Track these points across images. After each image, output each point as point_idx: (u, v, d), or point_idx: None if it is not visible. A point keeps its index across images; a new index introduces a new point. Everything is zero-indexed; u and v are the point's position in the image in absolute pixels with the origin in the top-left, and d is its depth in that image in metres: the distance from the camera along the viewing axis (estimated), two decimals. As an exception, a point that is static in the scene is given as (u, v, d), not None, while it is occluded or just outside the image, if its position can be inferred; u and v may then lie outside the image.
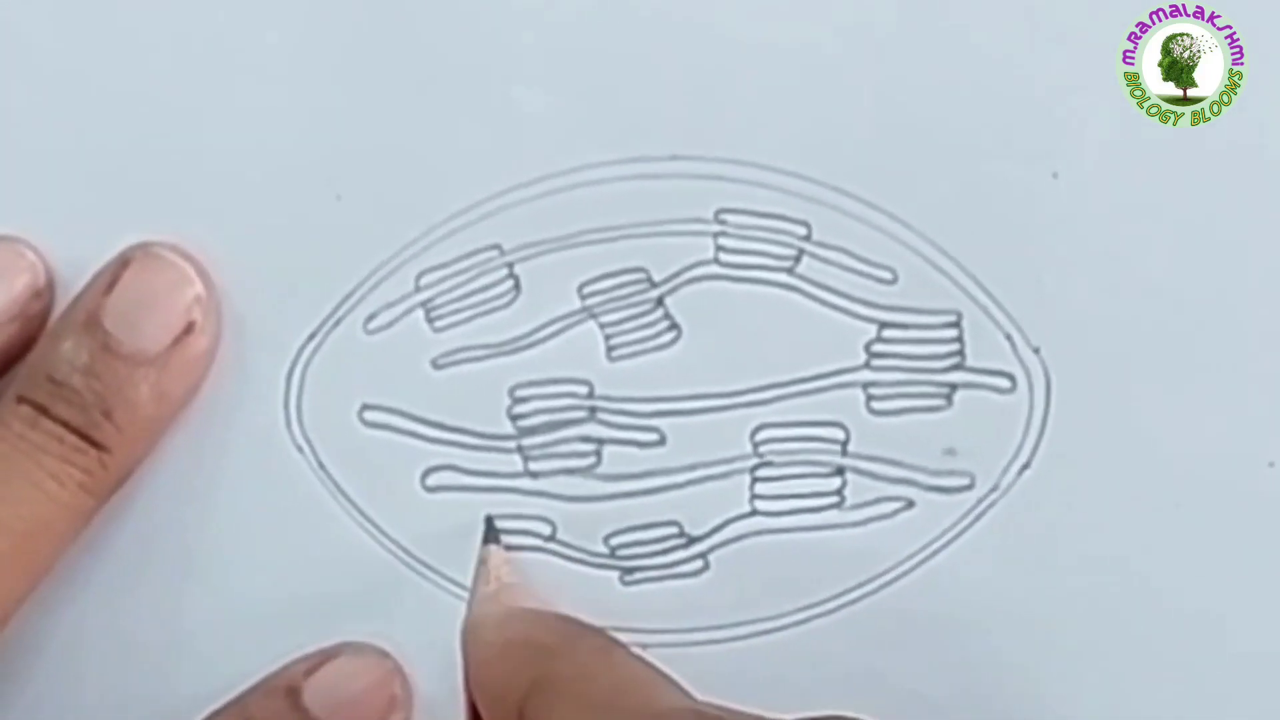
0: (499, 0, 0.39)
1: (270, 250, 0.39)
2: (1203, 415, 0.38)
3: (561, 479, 0.39)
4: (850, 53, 0.38)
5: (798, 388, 0.39)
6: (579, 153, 0.39)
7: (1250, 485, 0.38)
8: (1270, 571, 0.38)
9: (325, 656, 0.39)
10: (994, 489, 0.39)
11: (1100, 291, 0.38)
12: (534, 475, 0.39)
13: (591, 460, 0.39)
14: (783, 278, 0.39)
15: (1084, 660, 0.39)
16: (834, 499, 0.39)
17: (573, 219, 0.39)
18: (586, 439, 0.39)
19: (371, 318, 0.39)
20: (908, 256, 0.39)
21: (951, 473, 0.39)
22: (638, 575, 0.39)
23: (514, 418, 0.39)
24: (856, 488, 0.39)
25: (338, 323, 0.39)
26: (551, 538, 0.39)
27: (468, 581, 0.39)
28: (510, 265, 0.39)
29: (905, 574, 0.39)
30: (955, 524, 0.39)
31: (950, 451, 0.39)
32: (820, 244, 0.39)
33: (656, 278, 0.39)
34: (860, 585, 0.39)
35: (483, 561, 0.39)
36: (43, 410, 0.38)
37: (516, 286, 0.39)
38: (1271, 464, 0.38)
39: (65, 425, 0.38)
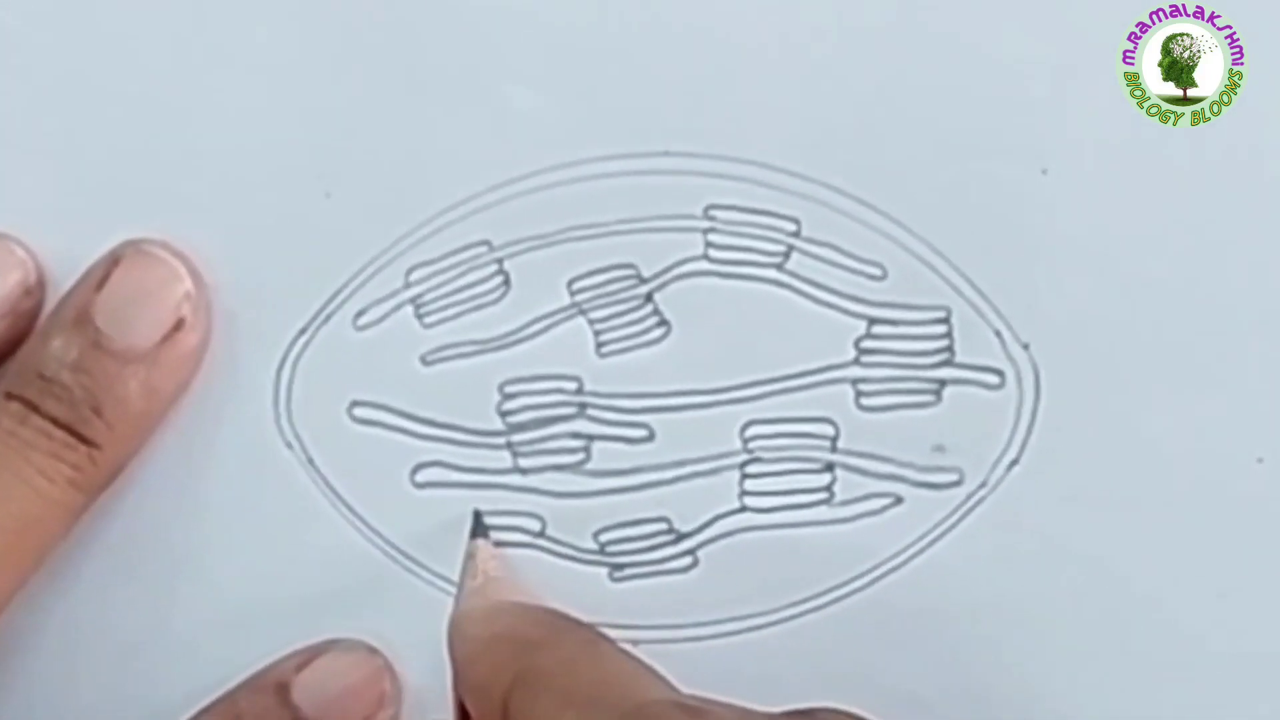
0: (489, -3, 0.39)
1: (260, 247, 0.39)
2: (1191, 411, 0.38)
3: (551, 475, 0.39)
4: (841, 49, 0.38)
5: (787, 384, 0.39)
6: (569, 149, 0.39)
7: (1239, 481, 0.38)
8: (1258, 567, 0.38)
9: (314, 653, 0.39)
10: (983, 485, 0.39)
11: (1089, 288, 0.38)
12: (523, 471, 0.39)
13: (581, 456, 0.39)
14: (772, 274, 0.39)
15: (1073, 655, 0.39)
16: (823, 495, 0.39)
17: (562, 215, 0.39)
18: (576, 435, 0.39)
19: (361, 314, 0.39)
20: (897, 253, 0.39)
21: (940, 469, 0.39)
22: (627, 571, 0.39)
23: (503, 414, 0.39)
24: (846, 484, 0.39)
25: (327, 319, 0.39)
26: (541, 534, 0.39)
27: (457, 577, 0.39)
28: (500, 261, 0.39)
29: (894, 570, 0.39)
30: (944, 520, 0.39)
31: (939, 448, 0.39)
32: (810, 240, 0.39)
33: (646, 273, 0.39)
34: (849, 581, 0.39)
35: (470, 555, 0.39)
36: (33, 407, 0.38)
37: (506, 282, 0.39)
38: (1260, 460, 0.38)
39: (55, 422, 0.38)
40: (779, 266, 0.39)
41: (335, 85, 0.39)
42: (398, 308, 0.39)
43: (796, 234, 0.39)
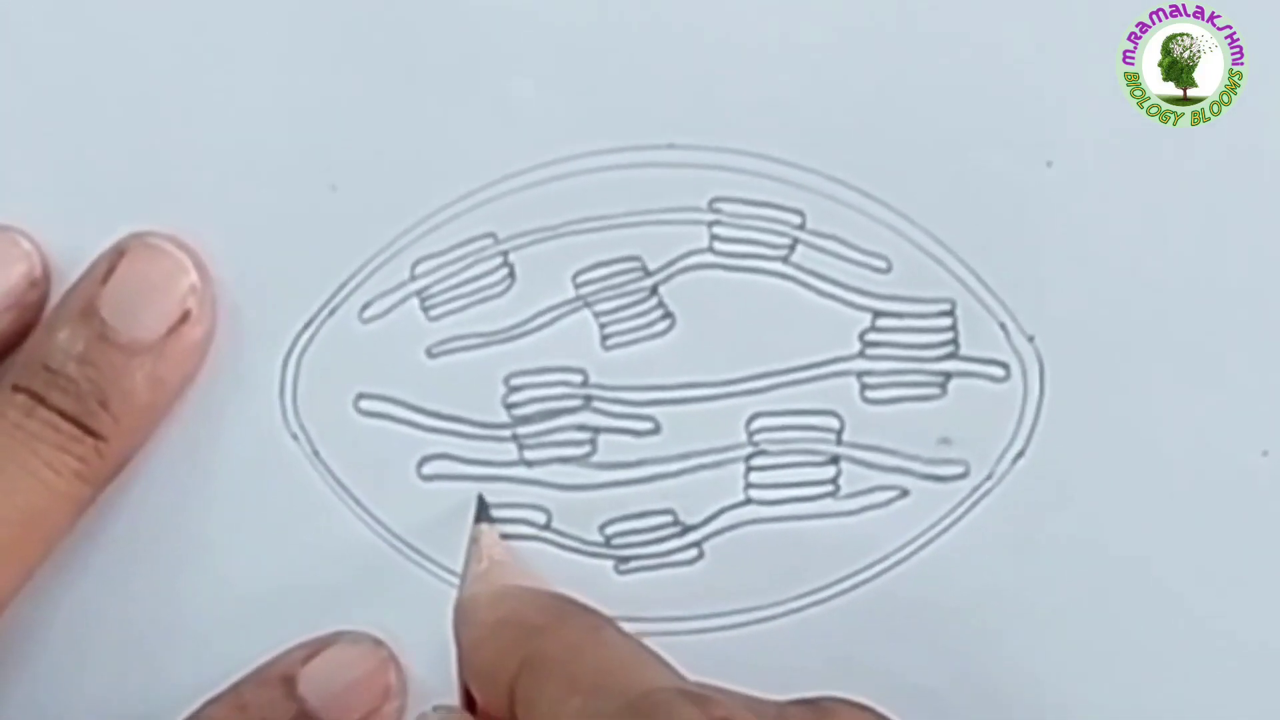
0: (494, -10, 0.39)
1: (265, 240, 0.39)
2: (1196, 404, 0.38)
3: (556, 467, 0.39)
4: (846, 43, 0.38)
5: (792, 376, 0.39)
6: (573, 141, 0.39)
7: (1244, 474, 0.38)
8: (1264, 559, 0.38)
9: (320, 645, 0.39)
10: (988, 477, 0.39)
11: (1094, 281, 0.38)
12: (529, 464, 0.39)
13: (586, 449, 0.39)
14: (777, 266, 0.39)
15: (1078, 646, 0.39)
16: (828, 488, 0.39)
17: (567, 207, 0.39)
18: (581, 427, 0.39)
19: (366, 306, 0.39)
20: (902, 245, 0.39)
21: (946, 461, 0.39)
22: (633, 564, 0.39)
23: (509, 406, 0.39)
24: (851, 476, 0.39)
25: (333, 312, 0.39)
26: (547, 526, 0.39)
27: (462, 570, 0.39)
28: (505, 254, 0.39)
29: (900, 562, 0.39)
30: (950, 512, 0.39)
31: (945, 440, 0.39)
32: (815, 233, 0.39)
33: (651, 266, 0.39)
34: (855, 574, 0.39)
35: (474, 540, 0.39)
36: (39, 399, 0.38)
37: (511, 275, 0.39)
38: (1265, 452, 0.38)
39: (61, 414, 0.38)
40: (784, 259, 0.39)
41: (340, 79, 0.39)
42: (403, 300, 0.39)
43: (801, 227, 0.39)
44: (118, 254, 0.39)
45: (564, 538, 0.39)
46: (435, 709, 0.36)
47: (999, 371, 0.39)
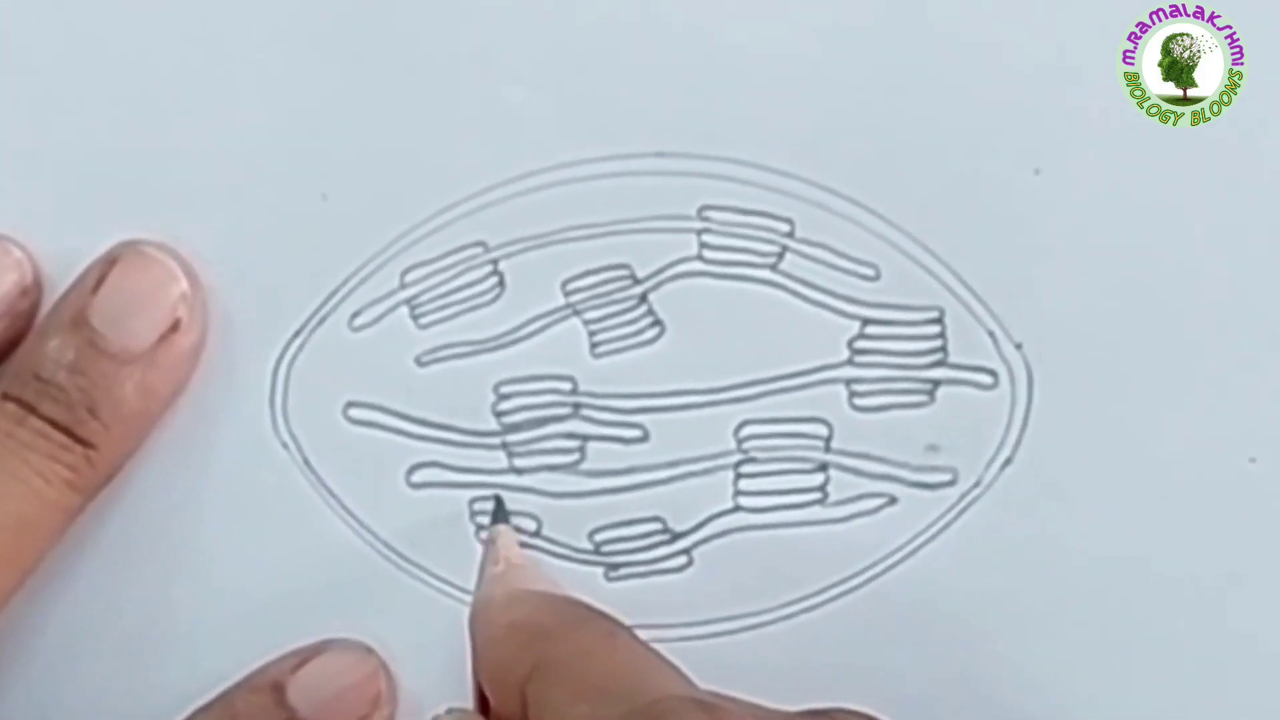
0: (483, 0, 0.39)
1: (256, 248, 0.39)
2: (1184, 412, 0.38)
3: (545, 475, 0.39)
4: (836, 50, 0.38)
5: (781, 384, 0.39)
6: (563, 149, 0.39)
7: (1231, 481, 0.38)
8: (1250, 565, 0.38)
9: (310, 653, 0.39)
10: (976, 484, 0.39)
11: (1083, 288, 0.38)
12: (518, 471, 0.39)
13: (575, 456, 0.39)
14: (766, 274, 0.39)
15: (1066, 653, 0.39)
16: (817, 495, 0.39)
17: (556, 215, 0.39)
18: (570, 435, 0.39)
19: (356, 315, 0.39)
20: (890, 253, 0.39)
21: (934, 468, 0.39)
22: (622, 571, 0.39)
23: (498, 414, 0.39)
24: (839, 484, 0.39)
25: (323, 320, 0.39)
26: (536, 534, 0.39)
27: (453, 578, 0.39)
28: (494, 262, 0.39)
29: (888, 569, 0.39)
30: (938, 519, 0.39)
31: (933, 447, 0.39)
32: (804, 241, 0.39)
33: (640, 274, 0.39)
34: (844, 581, 0.39)
35: (491, 541, 0.39)
36: (29, 408, 0.38)
37: (501, 283, 0.39)
38: (1253, 460, 0.38)
39: (52, 423, 0.38)
40: (773, 267, 0.39)
41: (331, 87, 0.39)
42: (393, 309, 0.39)
43: (790, 234, 0.39)
44: (108, 263, 0.39)
45: (553, 545, 0.39)
46: (449, 711, 0.36)
47: (987, 379, 0.39)
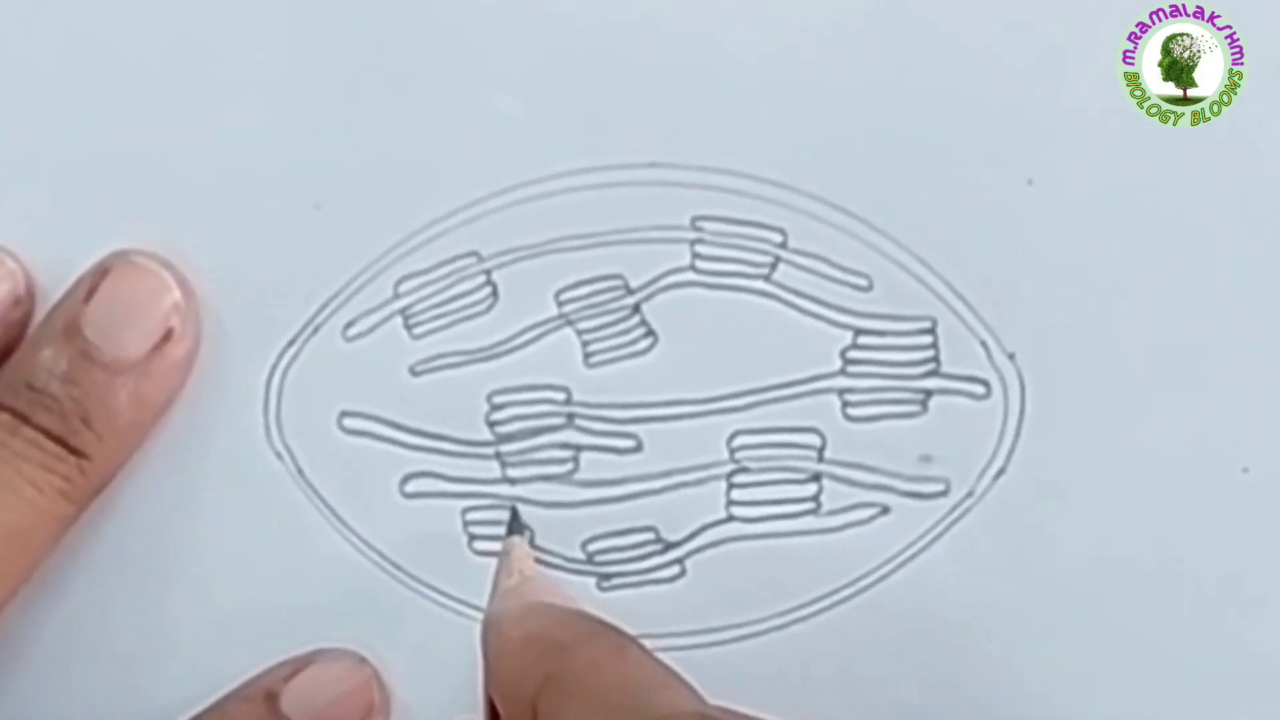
0: (478, 8, 0.39)
1: (249, 258, 0.39)
2: (1178, 422, 0.38)
3: (539, 485, 0.39)
4: (828, 59, 0.38)
5: (774, 394, 0.39)
6: (556, 160, 0.39)
7: (1225, 491, 0.38)
8: (1244, 575, 0.38)
9: (303, 662, 0.39)
10: (969, 494, 0.39)
11: (1075, 298, 0.38)
12: (512, 481, 0.39)
13: (569, 466, 0.39)
14: (759, 285, 0.39)
15: (1059, 663, 0.39)
16: (810, 505, 0.39)
17: (550, 226, 0.39)
18: (564, 445, 0.39)
19: (350, 325, 0.39)
20: (883, 263, 0.39)
21: (927, 478, 0.39)
22: (615, 581, 0.39)
23: (492, 424, 0.39)
24: (832, 494, 0.39)
25: (316, 330, 0.39)
26: (530, 544, 0.39)
27: (447, 587, 0.39)
28: (488, 272, 0.39)
29: (881, 579, 0.39)
30: (931, 529, 0.39)
31: (926, 458, 0.39)
32: (796, 251, 0.39)
33: (633, 284, 0.39)
34: (836, 590, 0.39)
35: (506, 553, 0.39)
36: (22, 418, 0.38)
37: (494, 293, 0.39)
38: (1245, 470, 0.38)
39: (45, 433, 0.38)
40: (766, 277, 0.39)
41: (325, 97, 0.39)
42: (387, 319, 0.39)
43: (783, 245, 0.39)
44: (101, 272, 0.39)
45: (546, 555, 0.39)
46: None
47: (980, 389, 0.39)
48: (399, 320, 0.39)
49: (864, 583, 0.39)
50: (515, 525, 0.39)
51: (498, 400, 0.39)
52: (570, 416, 0.39)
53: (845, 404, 0.39)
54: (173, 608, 0.40)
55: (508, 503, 0.39)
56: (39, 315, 0.39)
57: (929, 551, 0.39)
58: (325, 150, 0.39)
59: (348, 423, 0.39)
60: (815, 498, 0.39)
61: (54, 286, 0.39)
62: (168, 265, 0.39)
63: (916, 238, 0.38)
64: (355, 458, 0.39)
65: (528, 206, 0.39)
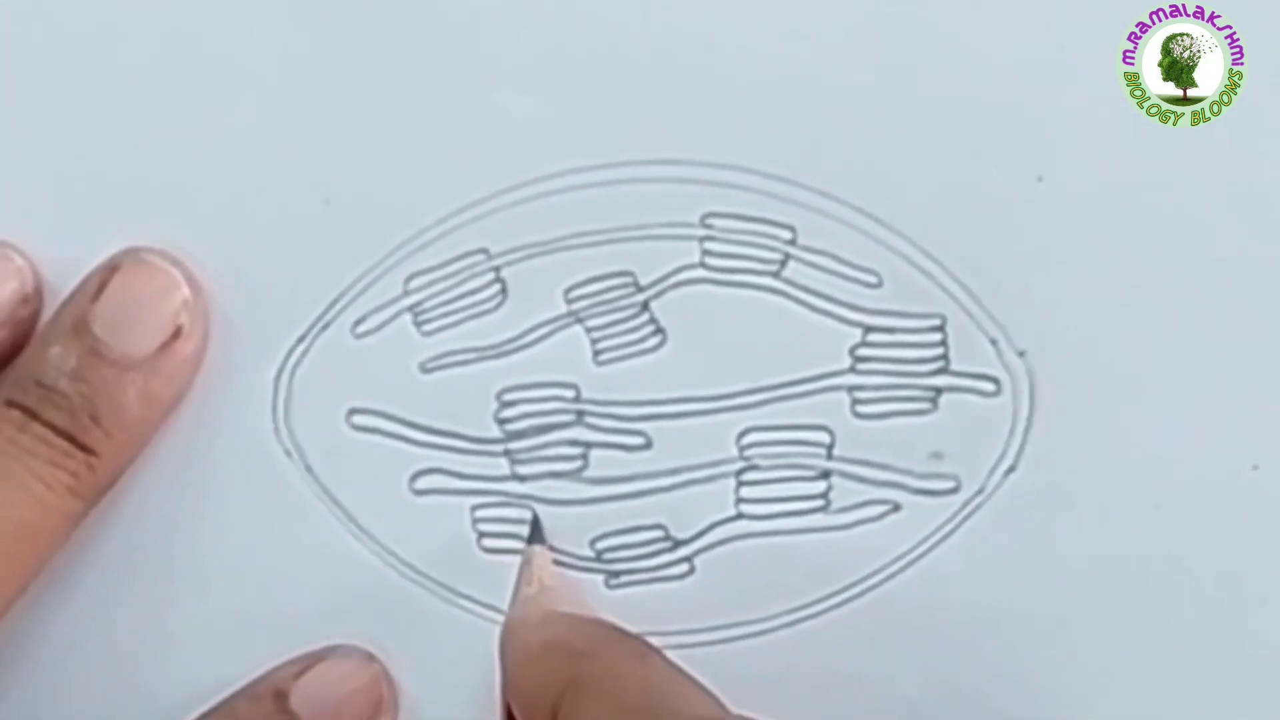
0: (486, 5, 0.39)
1: (258, 254, 0.39)
2: (1187, 419, 0.38)
3: (548, 482, 0.39)
4: (838, 56, 0.38)
5: (783, 391, 0.39)
6: (565, 157, 0.39)
7: (1234, 488, 0.38)
8: (1253, 573, 0.38)
9: (312, 660, 0.39)
10: (979, 491, 0.39)
11: (1085, 295, 0.38)
12: (521, 478, 0.39)
13: (578, 464, 0.39)
14: (768, 282, 0.39)
15: (1070, 661, 0.39)
16: (819, 502, 0.39)
17: (559, 223, 0.39)
18: (573, 442, 0.39)
19: (360, 321, 0.39)
20: (893, 260, 0.39)
21: (937, 475, 0.39)
22: (624, 578, 0.39)
23: (501, 421, 0.39)
24: (842, 491, 0.39)
25: (326, 326, 0.39)
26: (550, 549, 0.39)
27: (455, 584, 0.39)
28: (497, 269, 0.39)
29: (892, 576, 0.39)
30: (941, 526, 0.39)
31: (936, 454, 0.39)
32: (806, 248, 0.39)
33: (643, 281, 0.39)
34: (847, 588, 0.39)
35: (527, 561, 0.39)
36: (31, 414, 0.38)
37: (504, 290, 0.39)
38: (1255, 467, 0.38)
39: (54, 429, 0.38)
40: (775, 274, 0.39)
41: (334, 93, 0.39)
42: (396, 315, 0.39)
43: (793, 242, 0.39)
44: (110, 269, 0.39)
45: (555, 552, 0.39)
46: None
47: (990, 386, 0.39)
48: (408, 317, 0.39)
49: (874, 580, 0.39)
50: (537, 534, 0.39)
51: (507, 397, 0.39)
52: (579, 414, 0.39)
53: (855, 401, 0.39)
54: (181, 605, 0.40)
55: (517, 500, 0.39)
56: (48, 312, 0.39)
57: (939, 549, 0.39)
58: (335, 147, 0.39)
59: (357, 420, 0.39)
60: (825, 495, 0.39)
61: (62, 284, 0.39)
62: (176, 262, 0.39)
63: (926, 235, 0.38)
64: (364, 455, 0.39)
65: (537, 204, 0.39)
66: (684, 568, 0.39)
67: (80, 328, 0.38)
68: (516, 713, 0.36)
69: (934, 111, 0.38)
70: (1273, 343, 0.38)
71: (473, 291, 0.39)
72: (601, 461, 0.39)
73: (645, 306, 0.39)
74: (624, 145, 0.39)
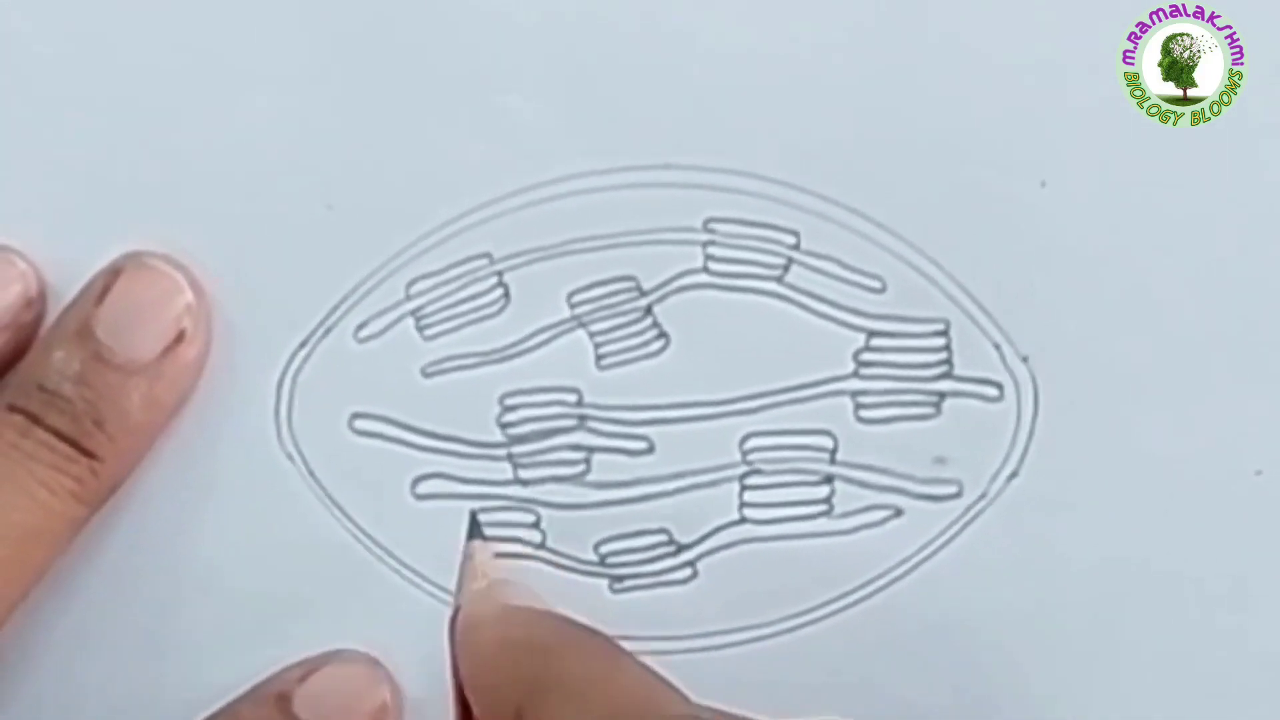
0: (489, 10, 0.39)
1: (261, 259, 0.39)
2: (1190, 423, 0.38)
3: (551, 487, 0.39)
4: (841, 61, 0.38)
5: (786, 396, 0.39)
6: (568, 161, 0.39)
7: (1237, 493, 0.38)
8: (1257, 577, 0.38)
9: (316, 664, 0.39)
10: (982, 497, 0.39)
11: (1089, 300, 0.38)
12: (524, 483, 0.39)
13: (581, 468, 0.39)
14: (772, 286, 0.39)
15: (1073, 666, 0.39)
16: (823, 507, 0.39)
17: (562, 227, 0.39)
18: (576, 447, 0.39)
19: (362, 326, 0.39)
20: (896, 265, 0.39)
21: (940, 481, 0.39)
22: (627, 583, 0.39)
23: (504, 425, 0.39)
24: (845, 496, 0.39)
25: (328, 331, 0.39)
26: (541, 545, 0.39)
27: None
28: (500, 274, 0.39)
29: (894, 581, 0.39)
30: (944, 531, 0.39)
31: (939, 460, 0.39)
32: (809, 253, 0.39)
33: (646, 286, 0.39)
34: (849, 593, 0.39)
35: (468, 557, 0.39)
36: (35, 419, 0.38)
37: (506, 295, 0.39)
38: (1259, 472, 0.38)
39: (57, 434, 0.38)
40: (779, 279, 0.39)
41: (336, 98, 0.39)
42: (398, 320, 0.39)
43: (796, 247, 0.39)
44: (113, 274, 0.39)
45: (558, 557, 0.39)
46: None
47: (993, 391, 0.39)
48: (411, 322, 0.39)
49: (877, 584, 0.39)
50: (475, 530, 0.39)
51: (509, 402, 0.39)
52: (582, 418, 0.39)
53: (858, 406, 0.39)
54: (183, 609, 0.40)
55: (519, 504, 0.39)
56: (51, 317, 0.39)
57: (942, 554, 0.39)
58: (337, 151, 0.39)
59: (359, 424, 0.39)
60: (828, 500, 0.39)
61: (66, 288, 0.39)
62: (180, 266, 0.39)
63: (929, 240, 0.38)
64: (366, 459, 0.39)
65: (540, 208, 0.39)
66: (687, 572, 0.39)
67: (83, 332, 0.38)
68: (476, 710, 0.36)
69: (935, 115, 0.38)
70: (1276, 346, 0.38)
71: (475, 296, 0.39)
72: (604, 466, 0.39)
73: (648, 311, 0.39)
74: (627, 150, 0.39)
